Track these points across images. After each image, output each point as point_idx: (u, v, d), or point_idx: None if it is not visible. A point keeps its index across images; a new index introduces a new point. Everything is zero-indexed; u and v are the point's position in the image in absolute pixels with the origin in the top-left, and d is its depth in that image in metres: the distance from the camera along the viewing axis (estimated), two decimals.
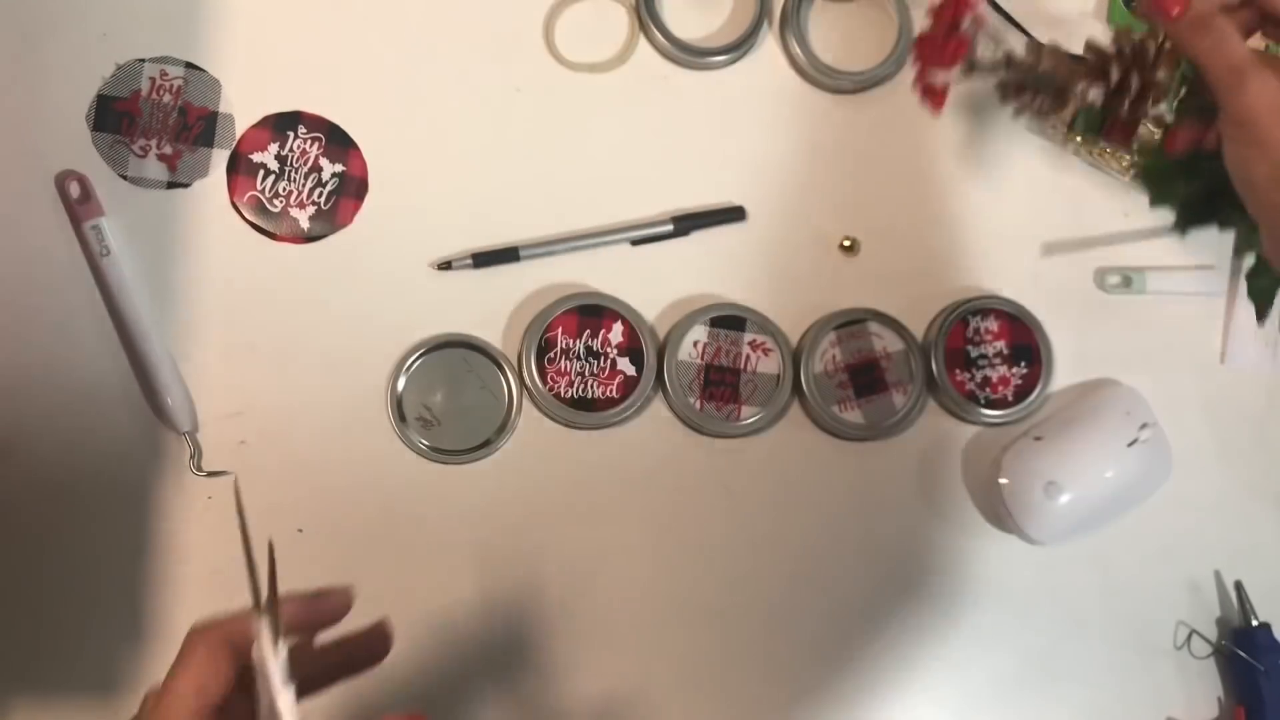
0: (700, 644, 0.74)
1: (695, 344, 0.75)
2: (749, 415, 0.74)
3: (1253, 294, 0.77)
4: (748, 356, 0.75)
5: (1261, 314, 0.77)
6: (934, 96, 0.69)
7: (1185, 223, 0.72)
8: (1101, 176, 0.81)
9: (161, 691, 0.41)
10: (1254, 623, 0.75)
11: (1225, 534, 0.79)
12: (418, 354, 0.73)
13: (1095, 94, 0.65)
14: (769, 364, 0.75)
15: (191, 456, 0.71)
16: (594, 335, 0.74)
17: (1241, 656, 0.74)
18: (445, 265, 0.75)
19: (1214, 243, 0.82)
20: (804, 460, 0.76)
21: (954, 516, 0.77)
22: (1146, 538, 0.77)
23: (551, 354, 0.74)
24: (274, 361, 0.73)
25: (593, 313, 0.74)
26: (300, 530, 0.72)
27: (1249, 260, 0.78)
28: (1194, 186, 0.70)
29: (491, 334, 0.75)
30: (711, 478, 0.75)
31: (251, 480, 0.72)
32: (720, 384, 0.75)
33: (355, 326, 0.74)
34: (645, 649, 0.74)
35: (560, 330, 0.74)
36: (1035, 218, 0.81)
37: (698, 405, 0.74)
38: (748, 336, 0.75)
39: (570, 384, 0.74)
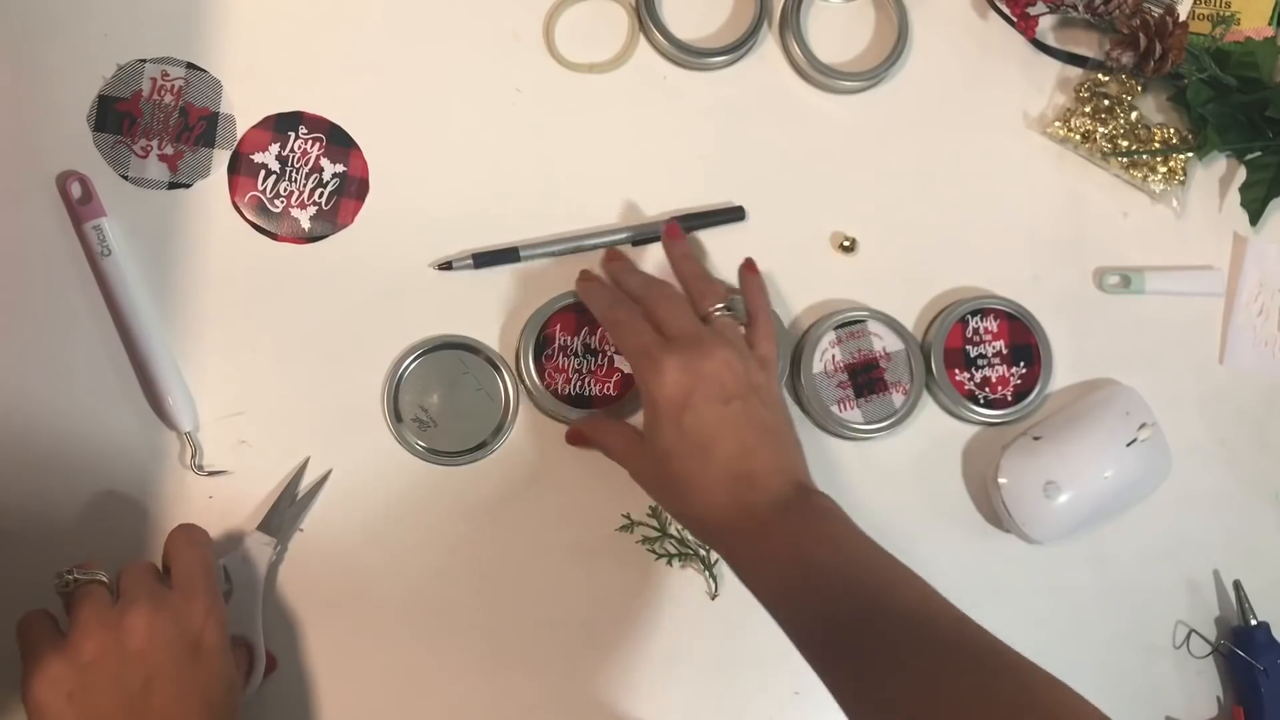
0: (699, 634, 0.74)
1: None
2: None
3: (1245, 204, 0.81)
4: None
5: (1253, 221, 0.81)
6: (1028, 22, 0.80)
7: None
8: (1102, 176, 0.81)
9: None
10: (1253, 622, 0.75)
11: (1224, 534, 0.79)
12: (414, 355, 0.73)
13: (1128, 58, 0.78)
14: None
15: (192, 456, 0.71)
16: (592, 333, 0.75)
17: (1240, 656, 0.75)
18: (446, 265, 0.75)
19: (1214, 243, 0.82)
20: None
21: (953, 516, 0.77)
22: (1145, 537, 0.78)
23: (549, 351, 0.74)
24: (274, 361, 0.73)
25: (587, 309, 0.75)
26: (301, 530, 0.72)
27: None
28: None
29: (491, 334, 0.75)
30: None
31: (251, 480, 0.72)
32: None
33: (356, 326, 0.74)
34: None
35: (558, 328, 0.74)
36: (1035, 218, 0.81)
37: None
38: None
39: (568, 381, 0.74)
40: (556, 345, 0.74)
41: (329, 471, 0.72)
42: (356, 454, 0.73)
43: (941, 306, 0.78)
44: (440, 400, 0.74)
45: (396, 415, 0.73)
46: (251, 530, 0.70)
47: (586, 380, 0.74)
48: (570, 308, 0.75)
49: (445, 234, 0.76)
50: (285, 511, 0.71)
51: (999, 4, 0.81)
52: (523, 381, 0.74)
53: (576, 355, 0.74)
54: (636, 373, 0.66)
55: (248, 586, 0.69)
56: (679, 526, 0.74)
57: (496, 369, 0.74)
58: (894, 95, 0.81)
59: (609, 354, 0.75)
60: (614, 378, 0.74)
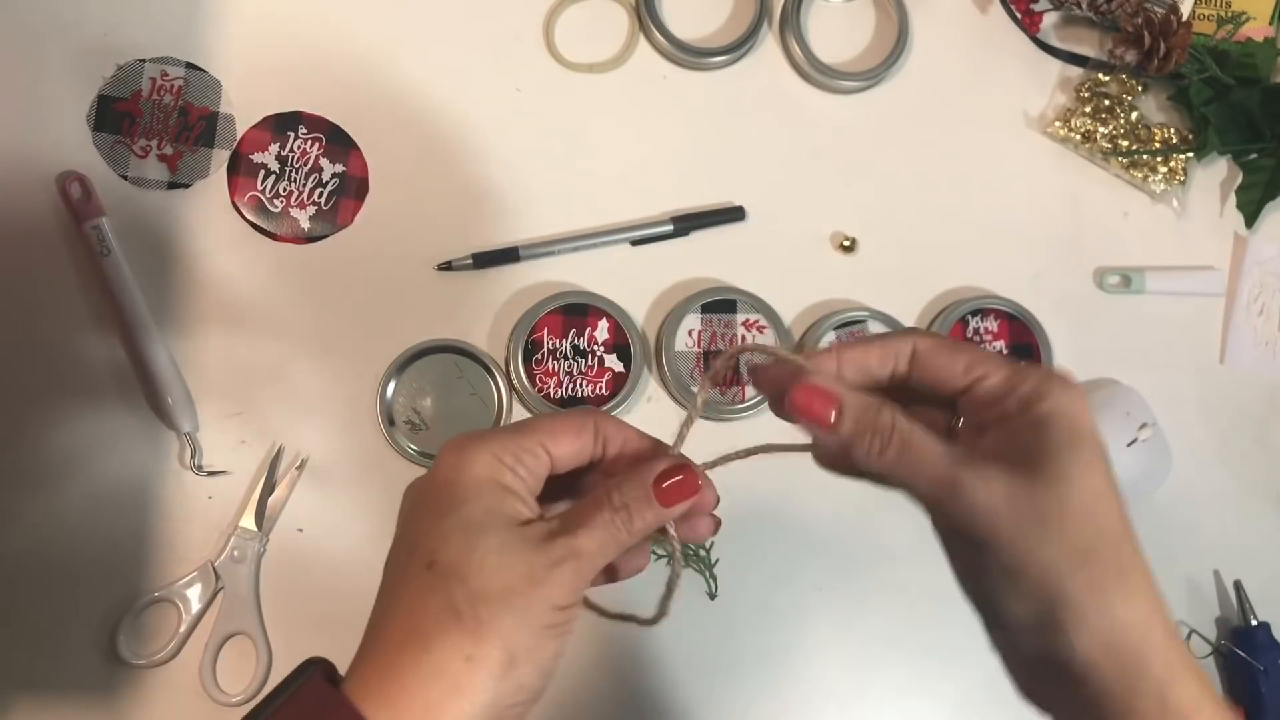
0: (699, 634, 0.74)
1: (690, 332, 0.75)
2: (754, 395, 0.75)
3: (1240, 206, 0.81)
4: (743, 337, 0.75)
5: (1248, 223, 0.81)
6: (1031, 19, 0.82)
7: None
8: (1102, 176, 0.81)
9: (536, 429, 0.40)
10: (1253, 622, 0.75)
11: (1225, 534, 0.79)
12: (408, 358, 0.73)
13: (1132, 56, 0.77)
14: (765, 340, 0.76)
15: (192, 456, 0.71)
16: (580, 334, 0.75)
17: (1241, 656, 0.75)
18: (446, 265, 0.75)
19: (1214, 243, 0.82)
20: (804, 456, 0.76)
21: None
22: (1145, 537, 0.77)
23: (539, 355, 0.74)
24: (274, 362, 0.73)
25: (577, 311, 0.75)
26: (300, 530, 0.72)
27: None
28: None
29: (491, 335, 0.75)
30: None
31: (251, 480, 0.72)
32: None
33: (356, 327, 0.74)
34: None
35: (545, 331, 0.74)
36: (1035, 218, 0.81)
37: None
38: (740, 317, 0.76)
39: (559, 384, 0.74)
40: (545, 349, 0.74)
41: (305, 458, 0.72)
42: (353, 455, 0.73)
43: (942, 306, 0.78)
44: (433, 403, 0.73)
45: (389, 418, 0.73)
46: (236, 526, 0.70)
47: (578, 381, 0.74)
48: (556, 310, 0.74)
49: (445, 234, 0.75)
50: (265, 502, 0.71)
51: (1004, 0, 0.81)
52: (514, 387, 0.74)
53: (566, 358, 0.74)
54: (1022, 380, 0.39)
55: (239, 582, 0.70)
56: None
57: (490, 372, 0.74)
58: (894, 95, 0.81)
59: (598, 354, 0.74)
60: (605, 377, 0.74)
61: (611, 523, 0.39)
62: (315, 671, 0.38)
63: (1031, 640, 0.37)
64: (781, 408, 0.41)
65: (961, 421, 0.41)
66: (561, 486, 0.42)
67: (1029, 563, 0.36)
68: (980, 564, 0.37)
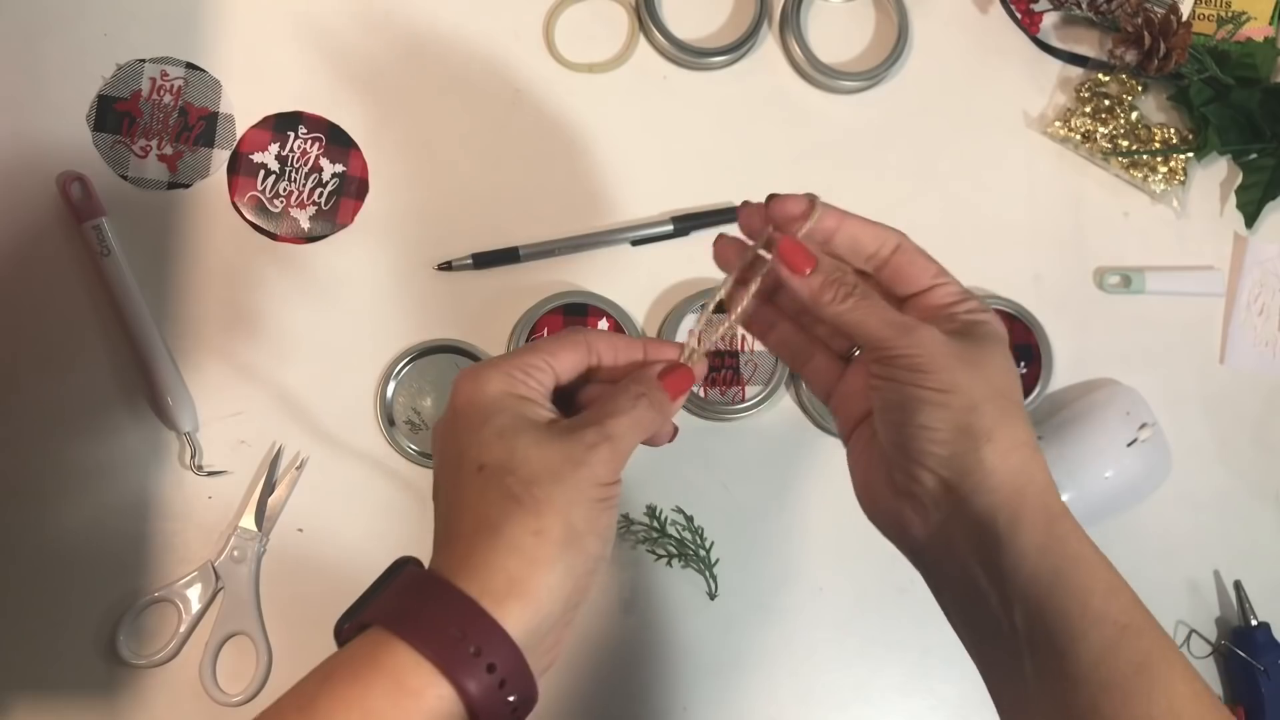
0: (699, 634, 0.74)
1: (690, 332, 0.75)
2: (753, 395, 0.75)
3: (1240, 206, 0.81)
4: (743, 337, 0.76)
5: (1248, 224, 0.81)
6: (1031, 19, 0.82)
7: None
8: (1102, 176, 0.81)
9: (532, 351, 0.45)
10: (1253, 622, 0.75)
11: (1225, 534, 0.79)
12: (407, 359, 0.73)
13: (1132, 56, 0.78)
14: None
15: (192, 456, 0.71)
16: None
17: (1241, 656, 0.75)
18: (446, 266, 0.75)
19: (1214, 243, 0.82)
20: (804, 455, 0.76)
21: None
22: (1146, 537, 0.78)
23: None
24: (274, 362, 0.73)
25: (577, 311, 0.75)
26: (300, 530, 0.72)
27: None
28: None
29: (486, 336, 0.75)
30: (716, 463, 0.75)
31: (251, 480, 0.72)
32: (721, 368, 0.75)
33: (356, 327, 0.74)
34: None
35: (545, 331, 0.74)
36: (1035, 218, 0.81)
37: (702, 393, 0.75)
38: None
39: None
40: None
41: (305, 458, 0.72)
42: (353, 455, 0.73)
43: None
44: (433, 403, 0.73)
45: (389, 418, 0.73)
46: (235, 526, 0.71)
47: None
48: (557, 310, 0.74)
49: (445, 234, 0.75)
50: (265, 502, 0.71)
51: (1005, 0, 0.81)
52: None
53: None
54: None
55: (239, 582, 0.70)
56: (678, 526, 0.74)
57: None
58: (894, 95, 0.81)
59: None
60: None
61: (635, 407, 0.45)
62: (411, 565, 0.43)
63: (945, 450, 0.44)
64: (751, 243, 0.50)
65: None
66: (562, 405, 0.46)
67: (957, 386, 0.44)
68: (912, 394, 0.44)
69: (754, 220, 0.50)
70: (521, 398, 0.44)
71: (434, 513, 0.44)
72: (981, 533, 0.44)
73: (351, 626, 0.40)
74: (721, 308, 0.50)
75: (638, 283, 0.77)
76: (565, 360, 0.46)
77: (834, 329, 0.49)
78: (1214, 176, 0.83)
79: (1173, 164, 0.80)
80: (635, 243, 0.77)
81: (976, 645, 0.47)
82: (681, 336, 0.75)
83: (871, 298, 0.46)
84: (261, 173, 0.75)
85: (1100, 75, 0.81)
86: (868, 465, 0.49)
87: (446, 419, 0.44)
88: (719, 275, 0.77)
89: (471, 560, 0.40)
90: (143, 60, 0.75)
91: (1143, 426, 0.74)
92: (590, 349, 0.46)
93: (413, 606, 0.39)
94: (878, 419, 0.47)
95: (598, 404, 0.45)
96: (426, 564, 0.42)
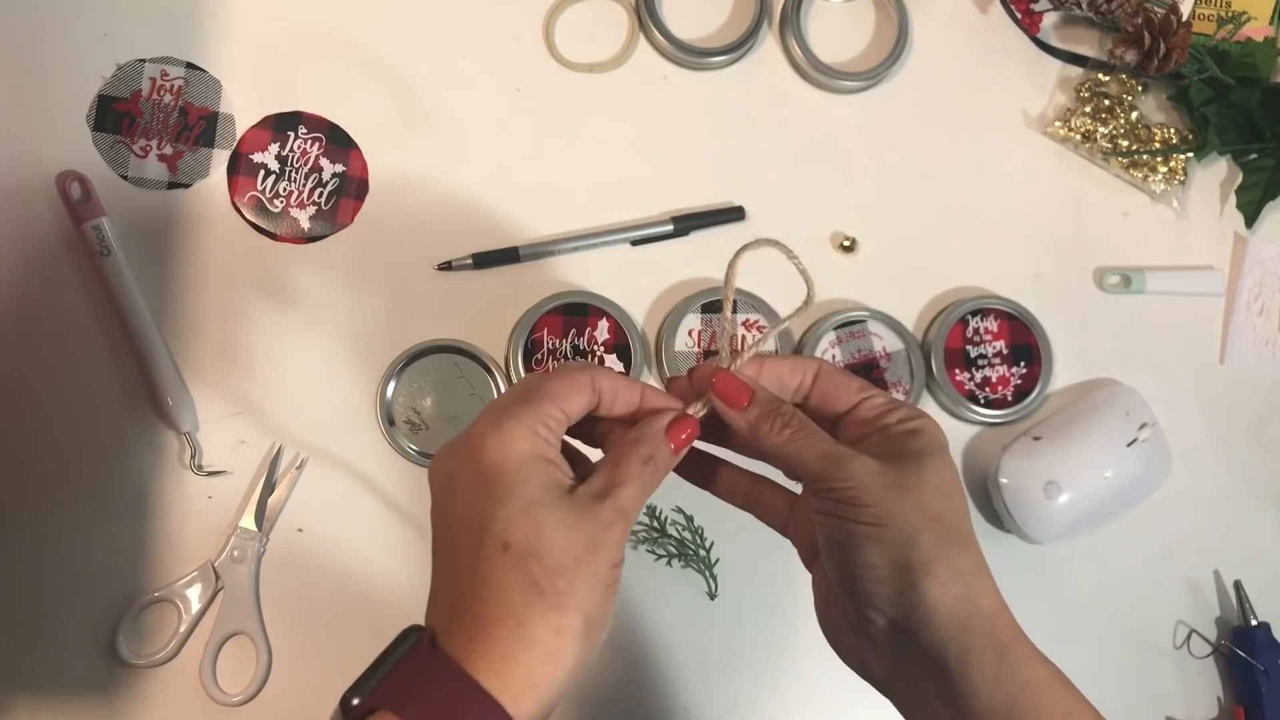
0: (699, 634, 0.74)
1: (690, 332, 0.75)
2: None
3: (1240, 206, 0.81)
4: (743, 337, 0.76)
5: (1248, 223, 0.81)
6: (1031, 19, 0.82)
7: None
8: (1102, 176, 0.81)
9: (540, 395, 0.44)
10: (1253, 622, 0.75)
11: (1224, 534, 0.79)
12: (407, 359, 0.73)
13: (1132, 56, 0.77)
14: (765, 341, 0.76)
15: (192, 456, 0.71)
16: (580, 334, 0.75)
17: (1241, 656, 0.75)
18: (446, 266, 0.75)
19: (1214, 243, 0.82)
20: None
21: None
22: (1146, 537, 0.78)
23: (539, 355, 0.74)
24: (274, 362, 0.73)
25: (577, 311, 0.75)
26: (300, 530, 0.72)
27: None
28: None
29: (486, 337, 0.75)
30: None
31: (251, 480, 0.72)
32: None
33: (356, 327, 0.74)
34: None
35: (545, 331, 0.74)
36: (1035, 218, 0.81)
37: None
38: (740, 317, 0.76)
39: None
40: (545, 349, 0.74)
41: (305, 458, 0.72)
42: (353, 455, 0.73)
43: (941, 306, 0.78)
44: (433, 403, 0.73)
45: (389, 418, 0.73)
46: (235, 526, 0.71)
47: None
48: (557, 310, 0.74)
49: (445, 234, 0.75)
50: (265, 502, 0.71)
51: (1005, 0, 0.81)
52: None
53: (566, 358, 0.74)
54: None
55: (239, 582, 0.70)
56: (678, 526, 0.74)
57: (490, 373, 0.74)
58: (894, 95, 0.81)
59: (598, 354, 0.75)
60: None
61: (643, 474, 0.44)
62: (422, 637, 0.42)
63: (887, 589, 0.44)
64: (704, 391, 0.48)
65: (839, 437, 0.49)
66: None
67: (892, 519, 0.43)
68: (849, 530, 0.44)
69: (684, 389, 0.49)
70: (546, 460, 0.43)
71: (437, 559, 0.44)
72: (933, 668, 0.44)
73: (362, 706, 0.40)
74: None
75: (638, 283, 0.77)
76: (576, 406, 0.45)
77: (776, 461, 0.48)
78: (1214, 176, 0.83)
79: (1173, 164, 0.80)
80: (635, 243, 0.77)
81: None
82: (681, 338, 0.75)
83: (808, 428, 0.46)
84: (261, 173, 0.75)
85: (1100, 75, 0.82)
86: (827, 601, 0.49)
87: (467, 466, 0.43)
88: (718, 275, 0.77)
89: (491, 651, 0.39)
90: (143, 60, 0.75)
91: (1143, 426, 0.74)
92: (595, 388, 0.46)
93: (431, 699, 0.39)
94: (825, 558, 0.47)
95: (608, 466, 0.45)
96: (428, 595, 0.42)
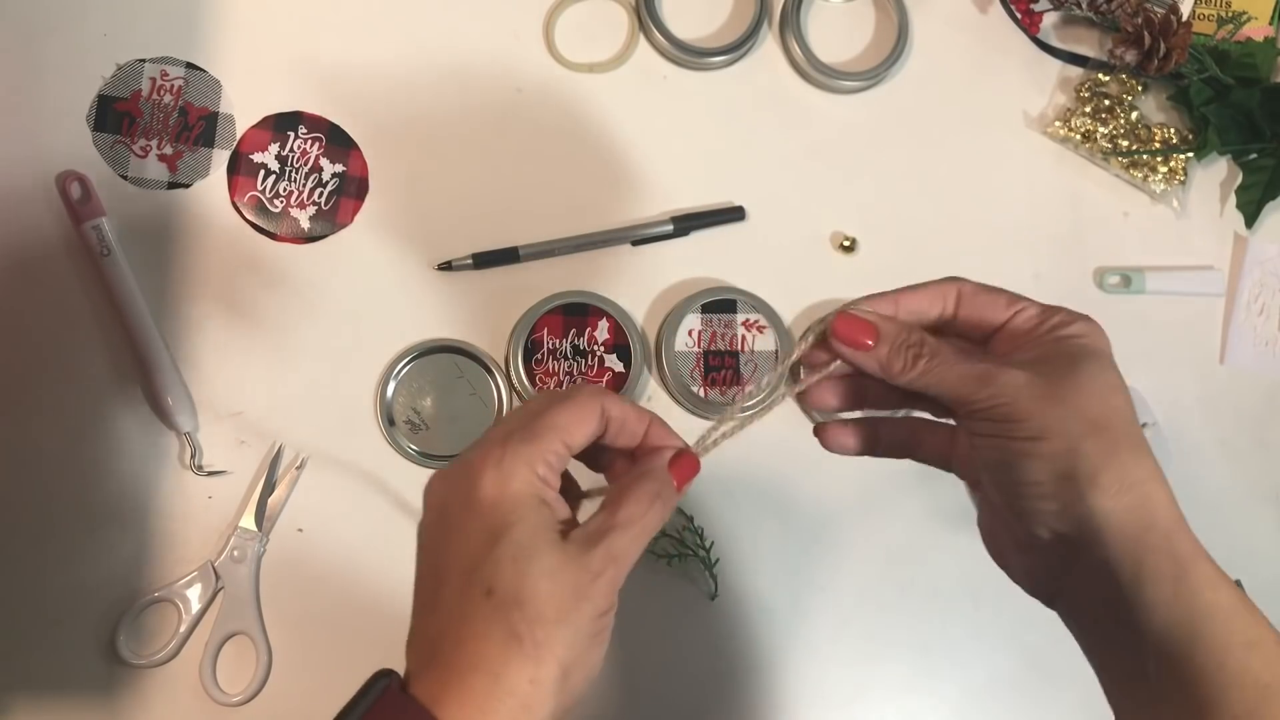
0: (699, 635, 0.74)
1: (690, 332, 0.75)
2: (754, 394, 0.75)
3: (1240, 206, 0.81)
4: (743, 337, 0.76)
5: (1248, 223, 0.81)
6: (1031, 19, 0.82)
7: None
8: (1102, 176, 0.81)
9: (549, 413, 0.43)
10: None
11: (1225, 534, 0.78)
12: (407, 359, 0.73)
13: (1132, 56, 0.77)
14: (765, 341, 0.76)
15: (192, 456, 0.71)
16: (580, 334, 0.75)
17: None
18: (446, 266, 0.75)
19: (1214, 243, 0.82)
20: (804, 454, 0.76)
21: (955, 516, 0.77)
22: None
23: (539, 355, 0.74)
24: (274, 362, 0.73)
25: (577, 311, 0.75)
26: (300, 530, 0.72)
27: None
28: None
29: (486, 337, 0.75)
30: (716, 463, 0.75)
31: (251, 480, 0.72)
32: (721, 368, 0.75)
33: (356, 327, 0.74)
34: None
35: (545, 331, 0.74)
36: (1035, 218, 0.81)
37: (702, 393, 0.75)
38: (740, 317, 0.76)
39: (559, 384, 0.74)
40: (545, 349, 0.74)
41: (305, 458, 0.72)
42: (353, 455, 0.73)
43: None
44: (433, 403, 0.74)
45: (389, 418, 0.73)
46: (235, 526, 0.71)
47: (578, 381, 0.74)
48: (557, 310, 0.74)
49: (445, 234, 0.75)
50: (265, 502, 0.71)
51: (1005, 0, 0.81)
52: (514, 387, 0.74)
53: (566, 357, 0.74)
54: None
55: (239, 582, 0.70)
56: (678, 526, 0.74)
57: (490, 372, 0.74)
58: (894, 95, 0.81)
59: (598, 354, 0.75)
60: (605, 377, 0.74)
61: (646, 513, 0.43)
62: (392, 682, 0.41)
63: (1053, 505, 0.41)
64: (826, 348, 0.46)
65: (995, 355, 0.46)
66: None
67: (1049, 431, 0.40)
68: (1005, 448, 0.41)
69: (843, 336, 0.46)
70: (543, 501, 0.42)
71: (420, 589, 0.43)
72: (1106, 586, 0.41)
73: None
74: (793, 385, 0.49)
75: (638, 283, 0.77)
76: (580, 436, 0.43)
77: (922, 403, 0.46)
78: (1214, 176, 0.83)
79: (1173, 164, 0.80)
80: (635, 243, 0.77)
81: (1113, 688, 0.45)
82: (681, 338, 0.75)
83: (941, 354, 0.44)
84: (261, 173, 0.75)
85: (1100, 75, 0.81)
86: (991, 522, 0.47)
87: (460, 500, 0.42)
88: (718, 275, 0.78)
89: (466, 701, 0.39)
90: (143, 60, 0.75)
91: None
92: (602, 415, 0.44)
93: None
94: (985, 482, 0.45)
95: (608, 507, 0.43)
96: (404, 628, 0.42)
